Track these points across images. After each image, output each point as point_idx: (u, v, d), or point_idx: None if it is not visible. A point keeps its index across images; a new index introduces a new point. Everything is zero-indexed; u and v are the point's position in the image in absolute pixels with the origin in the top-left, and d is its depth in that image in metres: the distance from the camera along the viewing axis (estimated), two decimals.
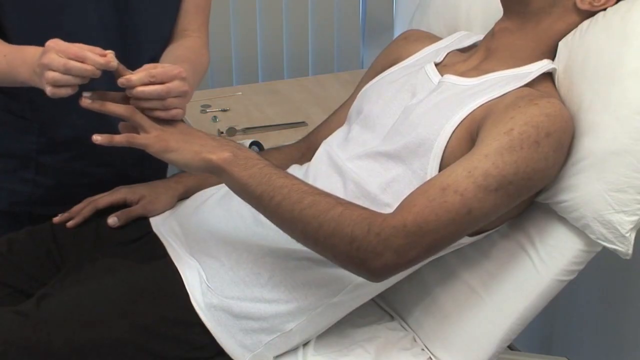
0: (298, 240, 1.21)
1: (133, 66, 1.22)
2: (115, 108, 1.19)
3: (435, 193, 1.15)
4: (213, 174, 1.21)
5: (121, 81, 1.19)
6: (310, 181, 1.34)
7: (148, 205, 1.43)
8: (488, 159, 1.16)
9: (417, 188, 1.19)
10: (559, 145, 1.20)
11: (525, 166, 1.17)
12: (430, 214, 1.14)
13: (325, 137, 1.47)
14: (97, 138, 1.17)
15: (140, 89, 1.19)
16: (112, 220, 1.39)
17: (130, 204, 1.43)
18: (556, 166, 1.23)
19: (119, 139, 1.19)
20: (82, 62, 1.16)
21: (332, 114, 1.62)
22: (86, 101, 1.18)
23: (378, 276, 1.18)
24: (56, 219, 1.43)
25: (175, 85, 1.22)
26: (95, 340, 1.19)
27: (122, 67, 1.19)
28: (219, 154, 1.19)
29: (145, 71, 1.21)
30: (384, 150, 1.31)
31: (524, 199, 1.23)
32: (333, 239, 1.15)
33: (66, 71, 1.16)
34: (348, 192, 1.30)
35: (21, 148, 1.52)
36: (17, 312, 1.20)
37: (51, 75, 1.16)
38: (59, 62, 1.16)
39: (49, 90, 1.18)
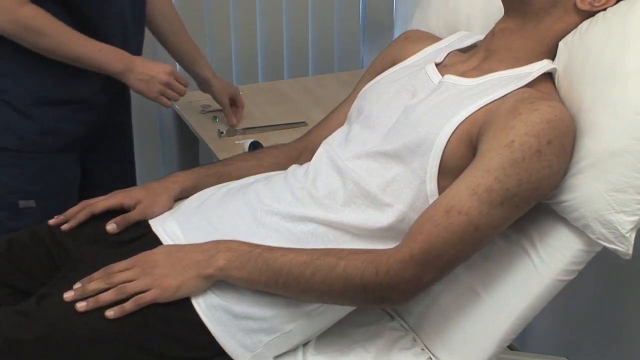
0: (318, 303, 1.26)
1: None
2: (108, 297, 1.21)
3: (440, 217, 1.17)
4: (219, 280, 1.24)
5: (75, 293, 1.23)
6: (310, 180, 1.34)
7: (146, 209, 1.42)
8: (490, 175, 1.17)
9: (423, 213, 1.21)
10: (562, 151, 1.21)
11: (529, 176, 1.17)
12: (437, 239, 1.17)
13: (323, 137, 1.48)
14: (110, 314, 1.20)
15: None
16: (110, 227, 1.39)
17: (128, 209, 1.43)
18: (562, 171, 1.23)
19: (129, 306, 1.20)
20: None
21: (329, 114, 1.62)
22: (82, 306, 1.20)
23: (404, 303, 1.22)
24: (52, 221, 1.43)
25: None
26: (96, 337, 1.19)
27: None
28: (214, 266, 1.23)
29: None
30: (384, 150, 1.31)
31: (534, 205, 1.23)
32: (347, 293, 1.19)
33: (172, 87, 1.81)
34: (347, 191, 1.30)
35: (83, 92, 1.80)
36: (17, 312, 1.20)
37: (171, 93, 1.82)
38: (179, 89, 1.84)
39: (161, 100, 1.82)
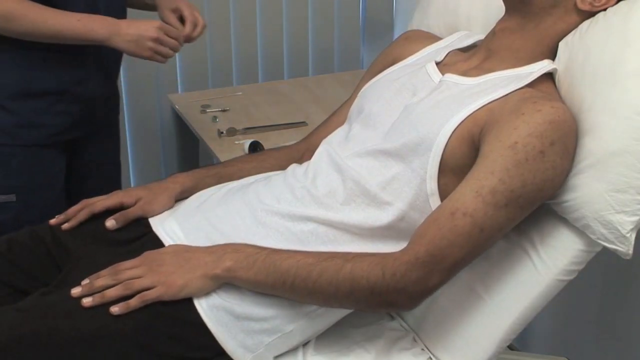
0: (325, 306, 1.26)
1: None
2: (113, 292, 1.21)
3: (445, 220, 1.17)
4: (226, 282, 1.24)
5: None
6: (309, 179, 1.34)
7: (146, 207, 1.43)
8: (494, 176, 1.17)
9: (428, 217, 1.22)
10: (565, 151, 1.21)
11: (532, 177, 1.17)
12: (442, 241, 1.17)
13: (325, 138, 1.47)
14: (115, 309, 1.20)
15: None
16: (110, 223, 1.39)
17: (128, 207, 1.43)
18: (565, 171, 1.23)
19: (134, 302, 1.21)
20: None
21: (331, 115, 1.62)
22: (88, 302, 1.21)
23: (410, 307, 1.22)
24: (53, 221, 1.43)
25: None
26: (97, 335, 1.18)
27: None
28: (221, 266, 1.23)
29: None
30: (384, 149, 1.31)
31: (538, 205, 1.23)
32: (353, 295, 1.19)
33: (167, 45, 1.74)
34: (347, 190, 1.30)
35: (62, 82, 1.77)
36: (18, 309, 1.21)
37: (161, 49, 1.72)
38: (171, 43, 1.73)
39: (156, 58, 1.74)
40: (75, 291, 1.22)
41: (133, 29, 1.70)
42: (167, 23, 1.83)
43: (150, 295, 1.21)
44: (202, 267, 1.23)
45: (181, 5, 1.85)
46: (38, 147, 1.79)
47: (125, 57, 1.83)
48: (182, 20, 1.83)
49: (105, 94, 1.92)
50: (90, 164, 1.98)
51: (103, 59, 1.84)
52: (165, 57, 1.75)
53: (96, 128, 1.93)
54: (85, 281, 1.24)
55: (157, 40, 1.72)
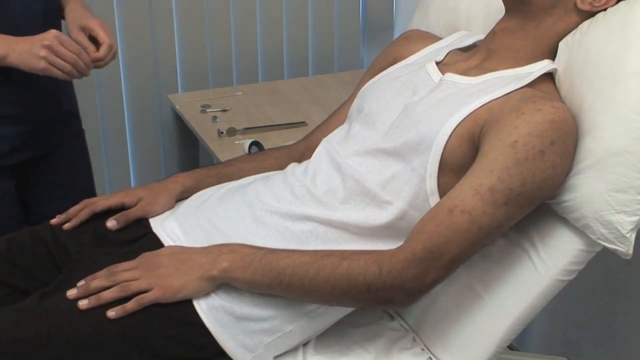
0: (322, 304, 1.26)
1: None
2: (109, 295, 1.21)
3: (443, 217, 1.17)
4: (222, 283, 1.24)
5: None
6: (309, 178, 1.34)
7: (146, 207, 1.43)
8: (493, 174, 1.17)
9: (426, 214, 1.21)
10: (565, 151, 1.21)
11: (532, 176, 1.17)
12: (439, 238, 1.16)
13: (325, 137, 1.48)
14: (111, 314, 1.19)
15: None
16: (111, 223, 1.39)
17: (129, 207, 1.43)
18: (565, 171, 1.23)
19: (131, 306, 1.20)
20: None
21: (331, 115, 1.62)
22: (84, 304, 1.20)
23: (408, 304, 1.22)
24: (54, 221, 1.43)
25: None
26: (95, 336, 1.19)
27: None
28: (217, 268, 1.23)
29: None
30: (384, 147, 1.31)
31: (537, 205, 1.23)
32: (351, 293, 1.19)
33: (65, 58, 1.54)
34: (347, 189, 1.30)
35: None
36: (17, 310, 1.21)
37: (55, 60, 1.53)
38: (65, 54, 1.53)
39: (51, 71, 1.54)
40: (71, 293, 1.22)
41: (27, 42, 1.54)
42: (77, 41, 1.65)
43: (147, 298, 1.21)
44: (199, 269, 1.23)
45: (91, 24, 1.66)
46: None
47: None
48: (94, 42, 1.66)
49: (49, 114, 1.78)
50: (45, 189, 1.86)
51: (32, 78, 1.63)
52: (63, 70, 1.55)
53: (47, 150, 1.81)
54: (81, 282, 1.24)
55: (49, 48, 1.53)
